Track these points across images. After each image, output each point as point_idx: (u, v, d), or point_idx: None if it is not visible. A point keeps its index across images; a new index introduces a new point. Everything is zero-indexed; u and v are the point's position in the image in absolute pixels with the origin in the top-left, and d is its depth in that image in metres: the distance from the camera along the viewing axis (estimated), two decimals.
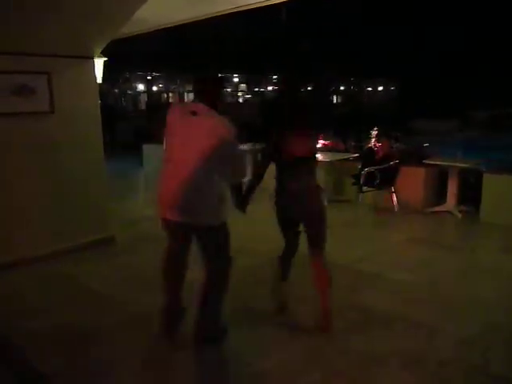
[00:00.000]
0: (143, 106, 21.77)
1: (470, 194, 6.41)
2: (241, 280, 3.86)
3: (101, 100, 6.00)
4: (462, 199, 6.47)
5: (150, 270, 4.62)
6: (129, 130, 15.36)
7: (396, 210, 6.51)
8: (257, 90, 28.59)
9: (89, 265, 4.83)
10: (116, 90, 20.10)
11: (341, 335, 3.31)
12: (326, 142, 7.92)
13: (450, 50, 26.01)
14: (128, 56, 16.39)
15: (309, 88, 32.34)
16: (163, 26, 6.65)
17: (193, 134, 2.88)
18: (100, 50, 5.31)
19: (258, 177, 3.38)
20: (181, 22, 6.37)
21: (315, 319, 3.37)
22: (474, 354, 3.05)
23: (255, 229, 5.35)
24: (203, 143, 2.83)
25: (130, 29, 5.99)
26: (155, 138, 9.26)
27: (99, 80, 5.92)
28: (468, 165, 6.30)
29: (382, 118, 17.59)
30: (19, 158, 4.73)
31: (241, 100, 31.61)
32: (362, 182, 6.51)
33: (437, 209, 6.51)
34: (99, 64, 6.07)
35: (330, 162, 7.18)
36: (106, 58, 6.32)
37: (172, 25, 6.54)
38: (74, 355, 3.16)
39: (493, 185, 5.93)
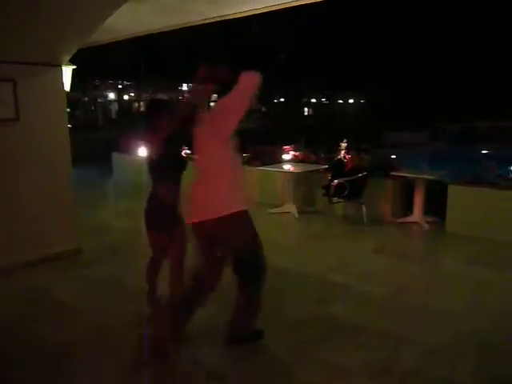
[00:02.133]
0: (114, 115, 21.56)
1: (437, 205, 6.56)
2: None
3: (70, 108, 5.92)
4: (428, 210, 6.62)
5: (119, 281, 4.58)
6: (88, 142, 14.72)
7: (365, 221, 6.60)
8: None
9: (56, 276, 4.73)
10: (86, 99, 19.78)
11: (309, 346, 3.31)
12: (297, 154, 7.98)
13: (421, 62, 26.77)
14: (99, 64, 16.20)
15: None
16: (134, 35, 6.62)
17: (205, 131, 2.99)
18: (68, 58, 5.23)
19: None
20: (152, 32, 6.35)
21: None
22: (441, 364, 3.09)
23: None
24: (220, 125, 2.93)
25: (100, 37, 5.95)
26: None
27: (67, 88, 5.83)
28: (434, 176, 6.44)
29: (352, 130, 17.89)
30: None
31: None
32: (331, 193, 6.58)
33: (404, 220, 6.63)
34: (67, 72, 5.98)
35: (301, 173, 7.24)
36: (74, 66, 6.23)
37: (143, 34, 6.51)
38: (43, 370, 3.07)
39: (458, 196, 6.08)
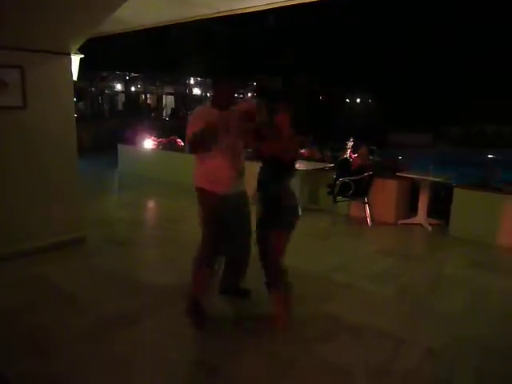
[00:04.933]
0: (120, 107, 21.54)
1: (441, 208, 6.53)
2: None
3: (77, 98, 5.92)
4: (433, 212, 6.60)
5: (120, 272, 4.59)
6: (94, 133, 14.56)
7: (368, 220, 6.58)
8: (236, 95, 28.69)
9: (59, 265, 4.74)
10: (93, 89, 19.75)
11: (309, 344, 3.31)
12: (302, 151, 7.95)
13: (426, 65, 26.68)
14: (107, 54, 16.16)
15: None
16: (144, 27, 6.60)
17: None
18: (77, 47, 5.23)
19: None
20: (162, 24, 6.33)
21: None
22: (440, 366, 3.09)
23: None
24: None
25: (109, 28, 5.95)
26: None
27: (75, 77, 5.82)
28: (439, 179, 6.41)
29: (358, 129, 17.82)
30: None
31: None
32: (336, 191, 6.56)
33: (408, 221, 6.62)
34: (75, 61, 5.97)
35: (306, 171, 7.22)
36: (82, 55, 6.21)
37: (153, 26, 6.49)
38: (43, 357, 3.08)
39: (463, 199, 6.05)
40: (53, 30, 4.57)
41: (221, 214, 3.45)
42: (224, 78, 3.60)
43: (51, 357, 3.10)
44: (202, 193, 3.53)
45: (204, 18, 5.85)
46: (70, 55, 5.05)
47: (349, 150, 7.11)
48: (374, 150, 7.03)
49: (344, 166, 6.91)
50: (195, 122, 3.40)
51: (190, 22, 6.13)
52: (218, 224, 3.47)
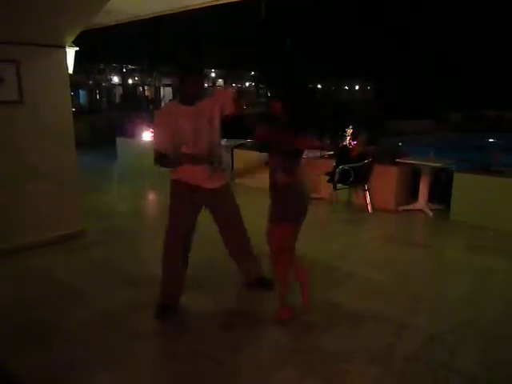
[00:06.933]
0: (118, 99, 21.49)
1: (442, 193, 6.52)
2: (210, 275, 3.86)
3: (73, 91, 5.88)
4: (433, 198, 6.58)
5: (121, 264, 4.59)
6: (92, 126, 14.42)
7: (369, 207, 6.57)
8: (234, 85, 28.54)
9: (60, 259, 4.75)
10: (90, 82, 19.67)
11: (311, 332, 3.32)
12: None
13: (426, 50, 26.53)
14: (103, 47, 16.08)
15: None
16: (139, 18, 6.54)
17: None
18: (72, 39, 5.18)
19: None
20: (156, 14, 6.27)
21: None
22: (442, 350, 3.09)
23: None
24: None
25: (104, 19, 5.89)
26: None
27: (70, 70, 5.78)
28: (440, 164, 6.39)
29: (358, 117, 17.74)
30: None
31: None
32: (336, 179, 6.54)
33: (409, 207, 6.60)
34: (70, 54, 5.92)
35: (306, 159, 7.18)
36: (77, 48, 6.17)
37: (148, 16, 6.43)
38: (50, 350, 3.09)
39: (463, 184, 6.03)
40: (47, 23, 4.52)
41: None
42: (192, 71, 3.40)
43: (58, 350, 3.11)
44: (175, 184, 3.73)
45: (199, 7, 5.79)
46: (64, 48, 5.01)
47: (348, 138, 7.07)
48: (376, 140, 6.99)
49: (344, 154, 6.88)
50: (162, 126, 3.41)
51: (184, 12, 6.07)
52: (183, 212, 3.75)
